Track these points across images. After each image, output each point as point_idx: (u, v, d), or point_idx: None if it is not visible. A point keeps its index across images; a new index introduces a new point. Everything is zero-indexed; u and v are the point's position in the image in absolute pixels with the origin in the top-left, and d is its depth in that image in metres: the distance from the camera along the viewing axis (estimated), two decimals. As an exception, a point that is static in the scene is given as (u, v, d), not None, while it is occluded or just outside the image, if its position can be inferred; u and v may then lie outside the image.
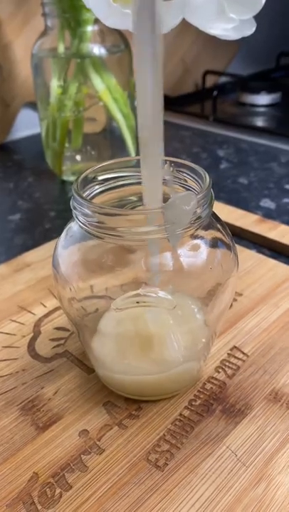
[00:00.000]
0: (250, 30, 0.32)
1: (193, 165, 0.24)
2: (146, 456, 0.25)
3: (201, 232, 0.24)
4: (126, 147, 0.56)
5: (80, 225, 0.23)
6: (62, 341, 0.32)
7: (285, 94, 0.82)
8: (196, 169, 0.24)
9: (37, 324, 0.34)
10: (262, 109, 0.80)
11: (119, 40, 0.53)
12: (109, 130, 0.56)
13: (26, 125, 0.72)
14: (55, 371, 0.30)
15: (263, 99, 0.80)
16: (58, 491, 0.23)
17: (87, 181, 0.25)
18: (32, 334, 0.33)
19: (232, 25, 0.31)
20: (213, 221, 0.25)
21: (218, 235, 0.25)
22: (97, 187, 0.25)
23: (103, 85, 0.51)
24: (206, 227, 0.24)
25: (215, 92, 0.77)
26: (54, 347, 0.32)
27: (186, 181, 0.25)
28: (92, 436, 0.26)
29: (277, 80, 0.91)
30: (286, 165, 0.60)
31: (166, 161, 0.25)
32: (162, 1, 0.28)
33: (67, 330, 0.33)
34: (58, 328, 0.33)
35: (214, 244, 0.24)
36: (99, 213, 0.22)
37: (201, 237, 0.24)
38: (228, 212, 0.46)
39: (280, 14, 0.97)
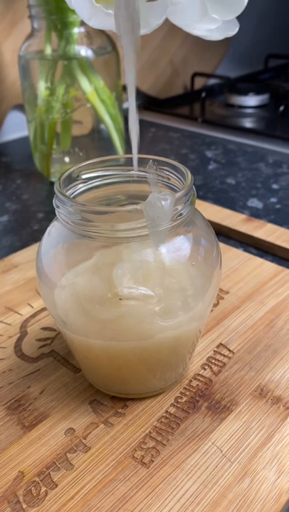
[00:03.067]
0: (233, 30, 0.32)
1: (175, 163, 0.25)
2: (132, 454, 0.25)
3: (184, 229, 0.24)
4: (114, 148, 0.56)
5: (63, 224, 0.23)
6: (48, 341, 0.32)
7: (273, 95, 0.82)
8: (178, 167, 0.24)
9: (24, 325, 0.34)
10: (250, 111, 0.80)
11: (106, 42, 0.53)
12: (98, 132, 0.56)
13: (15, 128, 0.72)
14: (41, 371, 0.30)
15: (251, 100, 0.81)
16: (43, 489, 0.23)
17: (71, 180, 0.25)
18: (19, 335, 0.33)
19: (215, 25, 0.31)
20: (197, 218, 0.25)
21: (202, 232, 0.25)
22: (80, 185, 0.26)
23: (91, 87, 0.52)
24: (189, 224, 0.24)
25: (203, 94, 0.77)
26: (40, 347, 0.32)
27: (169, 179, 0.25)
28: (78, 434, 0.26)
29: (265, 81, 0.92)
30: (273, 165, 0.61)
31: (149, 159, 0.25)
32: (145, 2, 0.28)
33: (54, 330, 0.33)
34: (44, 329, 0.33)
35: (197, 241, 0.24)
36: (81, 211, 0.22)
37: (184, 234, 0.24)
38: (215, 212, 0.47)
39: (268, 17, 0.98)
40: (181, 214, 0.23)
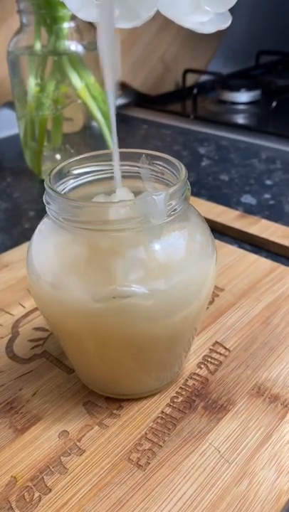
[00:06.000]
0: (225, 23, 0.31)
1: (168, 157, 0.24)
2: (128, 456, 0.24)
3: (178, 225, 0.23)
4: (106, 145, 0.55)
5: (53, 220, 0.23)
6: (41, 342, 0.31)
7: (265, 91, 0.82)
8: (172, 161, 0.24)
9: (15, 325, 0.33)
10: (242, 107, 0.80)
11: (96, 37, 0.52)
12: (89, 128, 0.55)
13: (5, 125, 0.71)
14: (34, 372, 0.29)
15: (243, 96, 0.80)
16: (36, 494, 0.23)
17: (62, 175, 0.24)
18: (10, 335, 0.32)
19: (207, 18, 0.31)
20: (192, 214, 0.25)
21: (197, 228, 0.24)
22: (72, 181, 0.25)
23: (81, 83, 0.51)
24: (184, 220, 0.24)
25: (195, 90, 0.76)
26: (33, 348, 0.31)
27: (163, 174, 0.25)
28: (72, 437, 0.25)
29: (256, 77, 0.92)
30: (266, 161, 0.60)
31: (142, 153, 0.25)
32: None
33: (46, 330, 0.32)
34: (36, 329, 0.32)
35: (192, 237, 0.24)
36: (72, 207, 0.21)
37: (179, 230, 0.23)
38: (209, 209, 0.46)
39: (259, 13, 0.97)
40: (175, 210, 0.22)
